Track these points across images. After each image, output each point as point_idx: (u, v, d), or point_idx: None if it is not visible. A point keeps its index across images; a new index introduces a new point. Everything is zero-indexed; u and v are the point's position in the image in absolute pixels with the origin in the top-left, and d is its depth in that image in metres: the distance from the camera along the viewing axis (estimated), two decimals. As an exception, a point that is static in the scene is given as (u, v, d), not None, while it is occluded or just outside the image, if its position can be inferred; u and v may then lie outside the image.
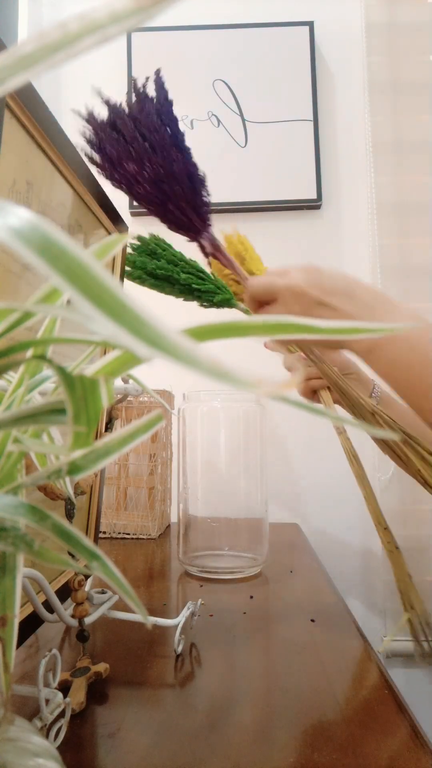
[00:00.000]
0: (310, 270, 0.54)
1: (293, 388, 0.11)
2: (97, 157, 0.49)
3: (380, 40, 1.21)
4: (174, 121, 0.49)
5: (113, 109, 0.50)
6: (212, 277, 0.64)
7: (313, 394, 0.71)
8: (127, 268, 0.63)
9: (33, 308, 0.16)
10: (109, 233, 0.58)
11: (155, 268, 0.61)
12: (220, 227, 1.25)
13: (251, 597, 0.62)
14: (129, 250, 0.63)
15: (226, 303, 0.63)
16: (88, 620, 0.44)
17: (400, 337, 0.50)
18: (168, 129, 0.48)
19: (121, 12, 0.11)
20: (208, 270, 0.64)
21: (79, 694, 0.39)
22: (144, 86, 0.50)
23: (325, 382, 0.67)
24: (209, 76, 1.26)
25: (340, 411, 0.74)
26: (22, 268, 0.38)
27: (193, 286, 0.62)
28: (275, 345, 0.67)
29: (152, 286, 0.63)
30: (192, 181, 0.51)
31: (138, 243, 0.64)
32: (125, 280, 0.62)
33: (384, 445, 0.65)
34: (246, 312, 0.65)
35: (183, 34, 1.27)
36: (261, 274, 0.67)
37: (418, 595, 0.59)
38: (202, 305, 0.64)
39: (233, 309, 0.65)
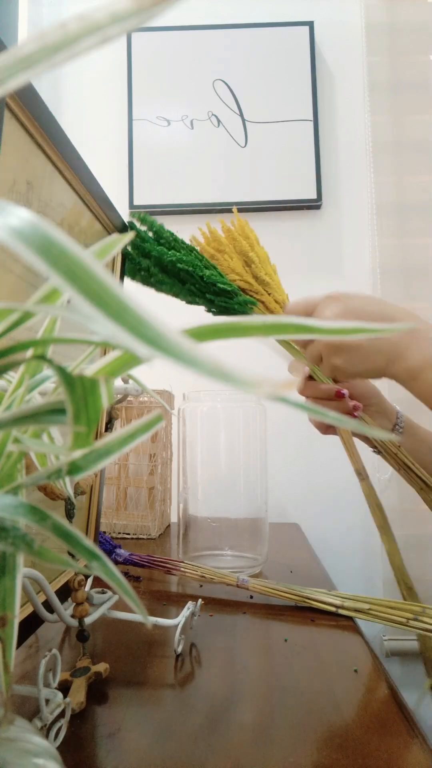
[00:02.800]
0: (335, 297, 0.54)
1: (293, 388, 0.11)
2: None
3: (380, 40, 1.21)
4: None
5: None
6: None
7: (327, 428, 0.66)
8: (129, 264, 0.58)
9: (33, 308, 0.16)
10: (109, 233, 0.58)
11: (173, 261, 0.56)
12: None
13: (251, 597, 0.62)
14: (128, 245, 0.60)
15: (245, 307, 0.59)
16: (88, 620, 0.44)
17: None
18: None
19: (121, 12, 0.11)
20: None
21: (79, 694, 0.39)
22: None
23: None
24: (209, 76, 1.26)
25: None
26: (23, 268, 0.38)
27: (219, 285, 0.56)
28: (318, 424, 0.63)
29: (157, 284, 0.58)
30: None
31: (144, 228, 0.58)
32: (125, 279, 0.62)
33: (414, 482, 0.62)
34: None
35: (183, 34, 1.27)
36: (269, 277, 0.63)
37: None
38: (209, 310, 0.60)
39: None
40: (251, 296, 0.61)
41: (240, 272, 0.60)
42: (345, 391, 0.59)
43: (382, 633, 1.10)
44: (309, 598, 0.57)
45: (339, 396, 0.59)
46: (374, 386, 0.66)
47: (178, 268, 0.57)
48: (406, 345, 0.51)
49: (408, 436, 0.67)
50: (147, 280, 0.59)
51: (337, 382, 0.60)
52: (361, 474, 0.63)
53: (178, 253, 0.57)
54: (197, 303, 0.60)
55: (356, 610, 0.55)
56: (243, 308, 0.60)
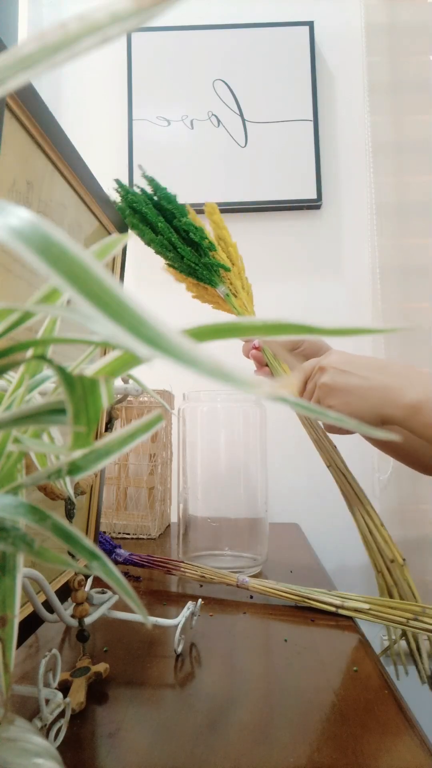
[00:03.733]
0: (341, 353, 0.58)
1: (293, 388, 0.11)
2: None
3: (380, 40, 1.21)
4: None
5: None
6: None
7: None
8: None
9: (33, 308, 0.16)
10: (109, 233, 0.58)
11: (165, 195, 0.64)
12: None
13: (251, 597, 0.62)
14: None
15: (213, 273, 0.65)
16: (88, 620, 0.44)
17: None
18: None
19: (122, 12, 0.11)
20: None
21: (79, 694, 0.39)
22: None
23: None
24: (209, 76, 1.26)
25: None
26: (22, 268, 0.38)
27: (191, 235, 0.63)
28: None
29: (132, 225, 0.63)
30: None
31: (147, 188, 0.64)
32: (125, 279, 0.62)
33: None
34: (227, 297, 0.66)
35: (183, 34, 1.27)
36: (240, 262, 0.69)
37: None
38: (173, 266, 0.66)
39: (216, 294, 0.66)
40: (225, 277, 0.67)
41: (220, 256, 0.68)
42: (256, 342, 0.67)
43: (382, 633, 1.10)
44: (309, 598, 0.57)
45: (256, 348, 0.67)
46: (324, 342, 0.71)
47: (162, 206, 0.63)
48: (399, 385, 0.53)
49: None
50: (124, 214, 0.63)
51: (333, 429, 0.65)
52: (327, 462, 0.70)
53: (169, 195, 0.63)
54: (167, 257, 0.66)
55: (356, 610, 0.55)
56: (209, 274, 0.65)
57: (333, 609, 0.56)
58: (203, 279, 0.66)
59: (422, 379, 0.53)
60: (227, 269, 0.67)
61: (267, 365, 0.68)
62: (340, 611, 0.55)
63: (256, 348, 0.68)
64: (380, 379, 0.54)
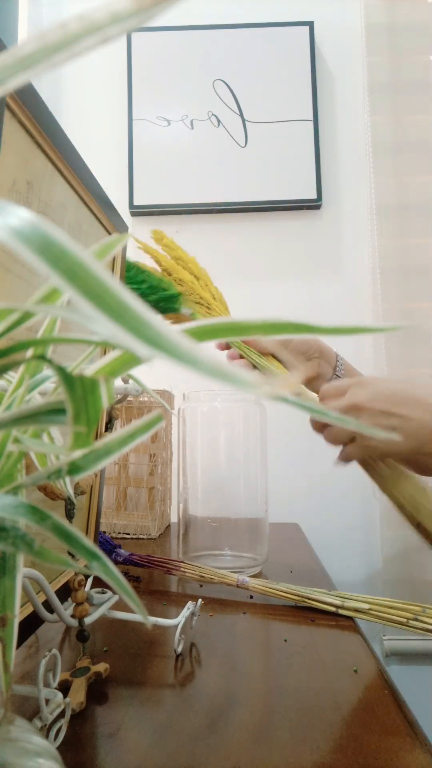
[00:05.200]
0: (364, 383, 0.56)
1: (293, 388, 0.11)
2: None
3: (380, 41, 1.21)
4: None
5: None
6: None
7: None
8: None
9: (33, 308, 0.16)
10: (109, 233, 0.58)
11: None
12: (218, 227, 1.24)
13: (251, 597, 0.62)
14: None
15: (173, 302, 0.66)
16: (88, 620, 0.44)
17: None
18: None
19: (122, 12, 0.11)
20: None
21: (79, 694, 0.39)
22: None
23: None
24: (209, 76, 1.26)
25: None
26: (22, 268, 0.38)
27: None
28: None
29: None
30: None
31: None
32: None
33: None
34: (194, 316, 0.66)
35: (183, 34, 1.27)
36: (199, 273, 0.68)
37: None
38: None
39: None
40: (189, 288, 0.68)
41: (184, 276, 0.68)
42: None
43: (382, 633, 1.10)
44: (309, 598, 0.57)
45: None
46: (315, 339, 0.69)
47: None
48: None
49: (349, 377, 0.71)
50: None
51: (369, 462, 0.60)
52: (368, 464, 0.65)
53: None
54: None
55: (356, 610, 0.55)
56: (170, 304, 0.67)
57: (333, 609, 0.56)
58: (168, 310, 0.66)
59: None
60: (175, 296, 0.67)
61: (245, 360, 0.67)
62: (340, 611, 0.55)
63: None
64: (418, 416, 0.53)
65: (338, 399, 0.57)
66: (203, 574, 0.63)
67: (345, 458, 0.58)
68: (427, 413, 0.53)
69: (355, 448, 0.57)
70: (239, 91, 1.26)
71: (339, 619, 0.55)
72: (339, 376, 0.69)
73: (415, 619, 0.52)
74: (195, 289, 0.68)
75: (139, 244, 0.70)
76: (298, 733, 0.35)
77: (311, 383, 0.70)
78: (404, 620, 0.52)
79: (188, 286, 0.67)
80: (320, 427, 0.60)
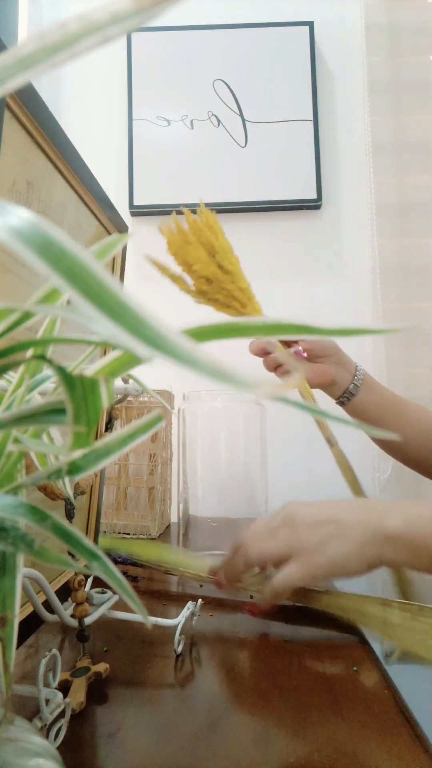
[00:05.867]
0: (290, 513, 0.51)
1: (293, 388, 0.11)
2: None
3: (380, 41, 1.21)
4: None
5: None
6: None
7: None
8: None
9: (33, 308, 0.16)
10: (109, 233, 0.58)
11: None
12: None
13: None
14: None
15: None
16: (88, 620, 0.44)
17: None
18: None
19: (122, 12, 0.11)
20: None
21: (79, 694, 0.39)
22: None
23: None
24: (209, 76, 1.26)
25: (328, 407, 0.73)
26: (22, 268, 0.38)
27: None
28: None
29: None
30: None
31: None
32: (126, 280, 0.62)
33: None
34: None
35: (183, 34, 1.27)
36: (233, 266, 0.64)
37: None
38: None
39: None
40: (217, 285, 0.63)
41: (205, 261, 0.62)
42: (299, 348, 0.64)
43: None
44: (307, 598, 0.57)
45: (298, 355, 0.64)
46: (331, 339, 0.68)
47: None
48: (379, 515, 0.47)
49: (365, 390, 0.69)
50: None
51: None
52: (331, 441, 0.66)
53: None
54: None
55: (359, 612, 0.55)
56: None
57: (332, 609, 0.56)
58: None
59: (393, 506, 0.48)
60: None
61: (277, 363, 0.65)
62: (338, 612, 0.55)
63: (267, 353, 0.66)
64: (358, 518, 0.47)
65: (270, 544, 0.50)
66: (200, 573, 0.63)
67: (273, 593, 0.50)
68: (365, 512, 0.48)
69: (295, 569, 0.48)
70: (239, 91, 1.26)
71: (338, 619, 0.55)
72: (357, 386, 0.68)
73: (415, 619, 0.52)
74: (225, 285, 0.63)
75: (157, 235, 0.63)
76: (298, 733, 0.35)
77: (328, 389, 0.69)
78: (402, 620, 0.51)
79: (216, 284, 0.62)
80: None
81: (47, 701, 0.33)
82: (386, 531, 0.46)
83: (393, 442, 0.72)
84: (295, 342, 0.66)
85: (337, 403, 0.69)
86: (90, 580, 0.55)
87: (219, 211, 1.24)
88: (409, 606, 0.51)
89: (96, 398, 0.13)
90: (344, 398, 0.69)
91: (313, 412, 0.14)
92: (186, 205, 1.23)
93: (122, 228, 0.60)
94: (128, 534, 0.92)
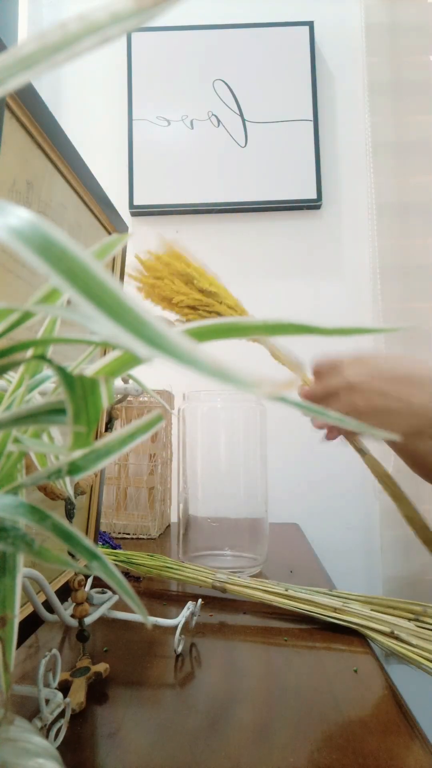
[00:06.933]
0: (363, 360, 0.53)
1: (293, 388, 0.11)
2: None
3: (380, 41, 1.21)
4: None
5: None
6: None
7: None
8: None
9: (33, 308, 0.16)
10: (109, 233, 0.58)
11: None
12: (218, 227, 1.24)
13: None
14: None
15: None
16: (88, 620, 0.44)
17: None
18: None
19: (122, 12, 0.11)
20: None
21: (79, 694, 0.39)
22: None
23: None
24: (209, 76, 1.26)
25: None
26: (22, 268, 0.38)
27: None
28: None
29: None
30: None
31: None
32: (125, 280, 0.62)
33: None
34: None
35: (183, 34, 1.27)
36: (214, 287, 0.61)
37: None
38: None
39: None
40: (204, 311, 0.60)
41: (185, 291, 0.60)
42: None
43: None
44: (298, 599, 0.56)
45: None
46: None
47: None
48: None
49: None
50: None
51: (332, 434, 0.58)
52: (362, 450, 0.63)
53: None
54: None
55: (334, 610, 0.54)
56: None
57: (308, 610, 0.55)
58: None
59: None
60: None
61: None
62: (326, 614, 0.55)
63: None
64: (418, 397, 0.50)
65: (332, 376, 0.53)
66: (188, 576, 0.63)
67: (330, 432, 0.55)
68: (426, 393, 0.50)
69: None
70: (239, 91, 1.26)
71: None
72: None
73: (416, 619, 0.52)
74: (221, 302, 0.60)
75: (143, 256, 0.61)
76: (298, 733, 0.35)
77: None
78: (388, 631, 0.50)
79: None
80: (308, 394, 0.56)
81: (47, 701, 0.33)
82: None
83: None
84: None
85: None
86: (90, 580, 0.55)
87: (219, 211, 1.25)
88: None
89: (96, 398, 0.13)
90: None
91: (314, 412, 0.14)
92: (186, 205, 1.23)
93: (122, 228, 0.60)
94: (128, 534, 0.92)
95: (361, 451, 0.63)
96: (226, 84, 1.26)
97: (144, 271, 0.60)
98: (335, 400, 0.53)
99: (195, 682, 0.43)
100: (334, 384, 0.53)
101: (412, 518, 0.59)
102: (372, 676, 0.44)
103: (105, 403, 0.14)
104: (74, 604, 0.43)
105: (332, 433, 0.60)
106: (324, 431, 0.61)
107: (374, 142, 1.20)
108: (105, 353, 0.19)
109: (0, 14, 1.21)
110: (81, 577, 0.44)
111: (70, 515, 0.43)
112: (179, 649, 0.47)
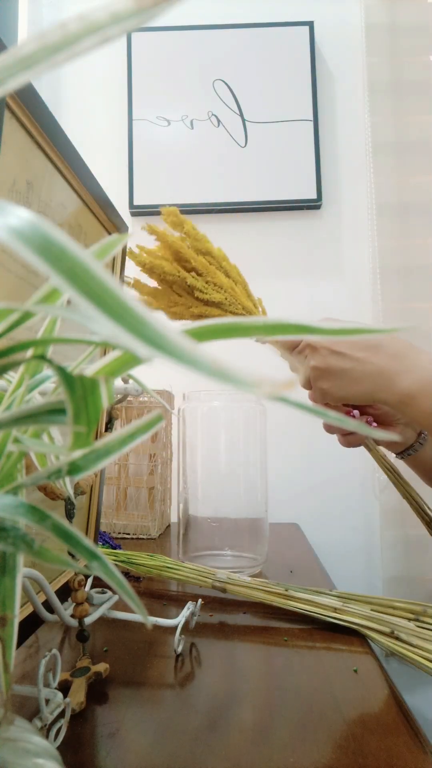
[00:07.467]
0: (331, 321, 0.53)
1: (293, 388, 0.11)
2: None
3: (380, 41, 1.21)
4: None
5: None
6: None
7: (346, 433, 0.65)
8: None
9: (33, 308, 0.16)
10: (109, 233, 0.58)
11: None
12: (218, 227, 1.24)
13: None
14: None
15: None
16: (88, 620, 0.44)
17: None
18: None
19: (122, 12, 0.11)
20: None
21: (79, 694, 0.39)
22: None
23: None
24: (209, 76, 1.26)
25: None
26: (22, 268, 0.38)
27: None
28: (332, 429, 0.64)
29: None
30: None
31: None
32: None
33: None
34: None
35: (183, 34, 1.27)
36: (218, 295, 0.61)
37: None
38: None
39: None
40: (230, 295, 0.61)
41: (189, 303, 0.61)
42: (355, 412, 0.62)
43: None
44: (294, 598, 0.57)
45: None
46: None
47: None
48: (395, 371, 0.51)
49: (429, 446, 0.67)
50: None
51: (328, 407, 0.60)
52: (368, 446, 0.65)
53: None
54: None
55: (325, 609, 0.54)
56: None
57: (303, 609, 0.55)
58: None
59: (419, 362, 0.51)
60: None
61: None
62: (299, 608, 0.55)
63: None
64: (375, 361, 0.51)
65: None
66: (184, 576, 0.63)
67: (313, 400, 0.58)
68: (384, 359, 0.51)
69: (314, 393, 0.56)
70: (239, 91, 1.26)
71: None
72: (421, 443, 0.66)
73: (416, 619, 0.52)
74: (237, 297, 0.60)
75: (155, 233, 0.61)
76: (298, 733, 0.35)
77: (390, 446, 0.67)
78: (388, 630, 0.50)
79: (228, 293, 0.60)
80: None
81: (47, 701, 0.33)
82: (399, 387, 0.50)
83: None
84: (370, 407, 0.64)
85: (397, 456, 0.68)
86: (90, 580, 0.55)
87: (219, 211, 1.25)
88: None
89: (96, 398, 0.13)
90: (405, 454, 0.67)
91: (314, 412, 0.14)
92: (186, 205, 1.23)
93: (122, 228, 0.60)
94: (128, 534, 0.92)
95: (367, 447, 0.64)
96: (226, 84, 1.26)
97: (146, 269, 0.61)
98: (301, 361, 0.56)
99: (195, 682, 0.43)
100: (292, 342, 0.56)
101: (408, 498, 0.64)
102: (372, 676, 0.44)
103: (105, 403, 0.14)
104: (74, 604, 0.43)
105: (346, 438, 0.62)
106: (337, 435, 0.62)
107: (374, 142, 1.20)
108: (105, 353, 0.19)
109: (0, 14, 1.21)
110: (81, 577, 0.44)
111: (70, 515, 0.43)
112: (179, 649, 0.47)
